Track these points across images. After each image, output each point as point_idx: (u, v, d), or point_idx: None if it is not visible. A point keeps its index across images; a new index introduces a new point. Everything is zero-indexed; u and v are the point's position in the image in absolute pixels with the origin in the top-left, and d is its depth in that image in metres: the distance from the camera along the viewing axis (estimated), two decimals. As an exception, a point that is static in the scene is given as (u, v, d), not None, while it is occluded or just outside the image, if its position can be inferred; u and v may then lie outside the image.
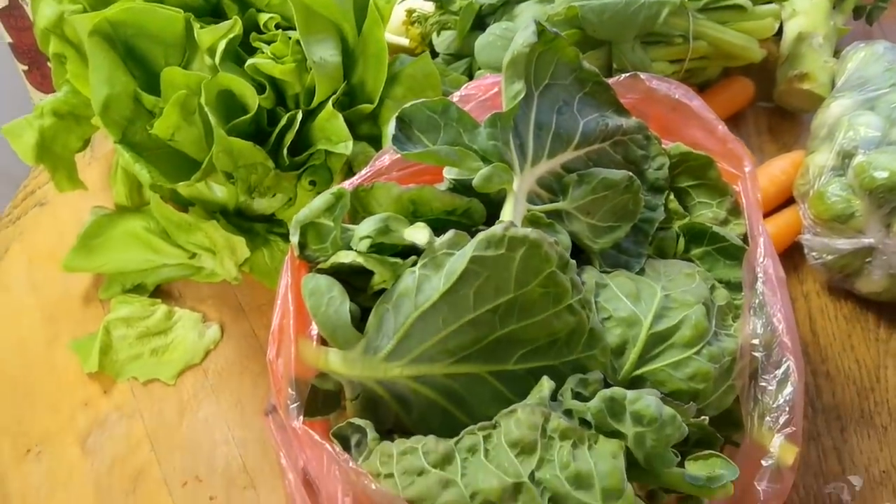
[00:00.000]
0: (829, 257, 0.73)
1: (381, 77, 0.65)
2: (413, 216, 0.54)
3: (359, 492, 0.42)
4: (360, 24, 0.67)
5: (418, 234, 0.45)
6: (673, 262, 0.58)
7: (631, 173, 0.56)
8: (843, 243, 0.72)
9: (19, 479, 0.65)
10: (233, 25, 0.61)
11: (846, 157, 0.71)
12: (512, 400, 0.46)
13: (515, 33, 0.53)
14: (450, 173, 0.54)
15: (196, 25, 0.62)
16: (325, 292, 0.47)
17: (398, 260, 0.48)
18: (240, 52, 0.64)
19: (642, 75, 0.62)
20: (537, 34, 0.51)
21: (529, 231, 0.43)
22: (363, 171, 0.55)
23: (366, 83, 0.67)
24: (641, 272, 0.56)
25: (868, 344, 0.75)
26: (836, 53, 0.86)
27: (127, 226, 0.71)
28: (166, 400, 0.68)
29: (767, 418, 0.49)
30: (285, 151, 0.59)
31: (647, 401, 0.41)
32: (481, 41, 0.77)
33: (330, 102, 0.62)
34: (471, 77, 0.81)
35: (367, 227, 0.47)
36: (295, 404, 0.46)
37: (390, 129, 0.49)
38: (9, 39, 1.42)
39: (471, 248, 0.43)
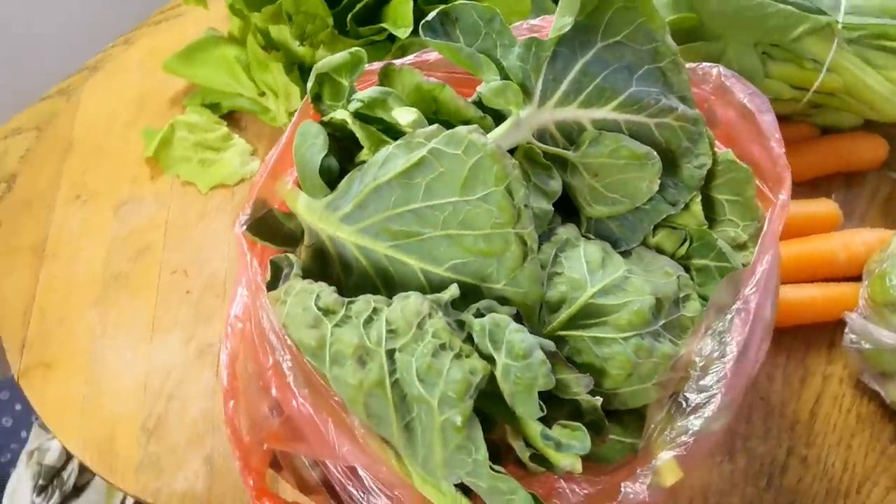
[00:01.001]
0: (867, 346, 0.66)
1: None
2: (433, 115, 0.56)
3: (253, 306, 0.46)
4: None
5: (405, 114, 0.47)
6: (661, 258, 0.55)
7: (654, 152, 0.53)
8: (888, 336, 0.64)
9: (63, 216, 0.77)
10: None
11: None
12: (430, 301, 0.48)
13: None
14: (481, 87, 0.55)
15: None
16: (312, 137, 0.51)
17: (383, 136, 0.50)
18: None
19: (722, 70, 0.58)
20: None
21: (491, 142, 0.43)
22: (406, 58, 0.57)
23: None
24: (625, 254, 0.55)
25: (870, 453, 0.67)
26: None
27: (226, 51, 0.79)
28: (193, 204, 0.76)
29: (668, 433, 0.47)
30: (350, 17, 0.62)
31: (522, 335, 0.41)
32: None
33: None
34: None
35: (366, 93, 0.50)
36: (246, 216, 0.50)
37: (429, 16, 0.50)
38: None
39: (434, 139, 0.44)
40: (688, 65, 0.59)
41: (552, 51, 0.51)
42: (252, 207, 0.51)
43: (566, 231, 0.53)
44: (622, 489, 0.46)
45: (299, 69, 0.74)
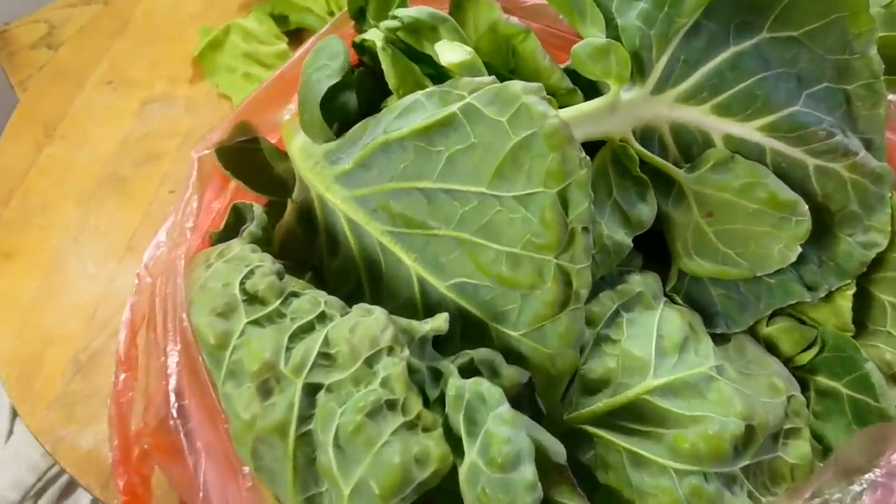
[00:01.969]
0: None
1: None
2: (508, 73, 0.40)
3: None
4: None
5: (450, 50, 0.32)
6: (771, 361, 0.37)
7: (804, 204, 0.35)
8: None
9: (88, 98, 0.68)
10: None
11: None
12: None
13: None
14: (577, 46, 0.39)
15: None
16: (326, 57, 0.37)
17: (423, 78, 0.35)
18: None
19: (948, 113, 0.38)
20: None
21: (556, 116, 0.27)
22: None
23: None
24: (720, 340, 0.37)
25: None
26: None
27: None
28: (222, 117, 0.65)
29: None
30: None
31: (512, 431, 0.25)
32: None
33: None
34: None
35: (412, 11, 0.35)
36: (219, 139, 0.37)
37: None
38: None
39: (474, 93, 0.29)
40: (890, 97, 0.40)
41: (694, 20, 0.34)
42: (231, 130, 0.38)
43: (643, 282, 0.36)
44: None
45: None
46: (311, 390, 0.27)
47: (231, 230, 0.37)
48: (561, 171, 0.27)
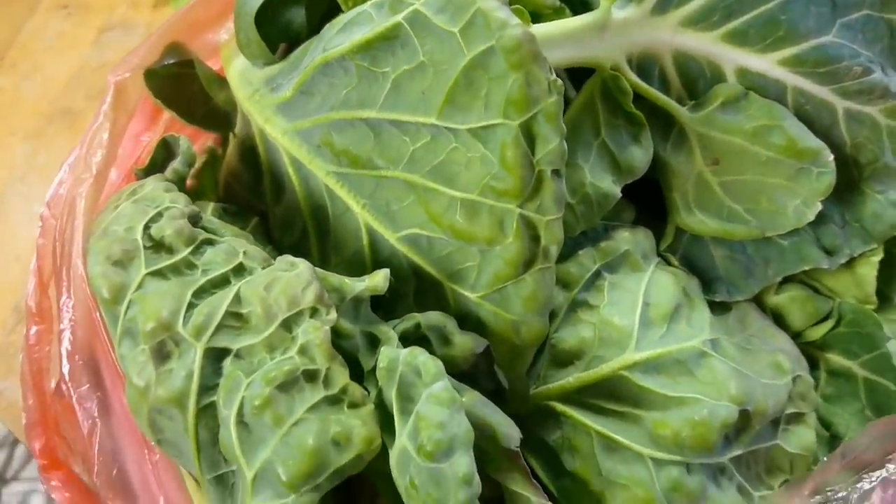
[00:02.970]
0: None
1: None
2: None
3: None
4: None
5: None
6: (778, 334, 0.32)
7: (829, 153, 0.29)
8: None
9: (40, 23, 0.63)
10: None
11: None
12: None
13: None
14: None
15: None
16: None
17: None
18: None
19: None
20: None
21: (518, 26, 0.21)
22: None
23: None
24: (718, 309, 0.32)
25: None
26: None
27: None
28: (187, 52, 0.59)
29: None
30: None
31: (449, 411, 0.20)
32: None
33: None
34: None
35: None
36: (142, 55, 0.32)
37: None
38: None
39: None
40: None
41: (712, -82, 0.28)
42: (160, 51, 0.33)
43: (631, 239, 0.31)
44: None
45: None
46: (217, 356, 0.23)
47: (158, 166, 0.32)
48: (525, 98, 0.22)
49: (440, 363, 0.22)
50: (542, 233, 0.25)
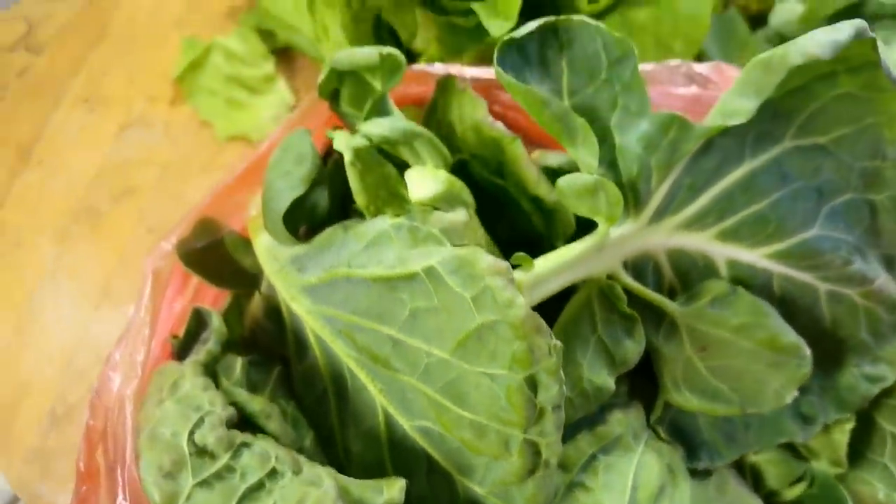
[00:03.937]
0: None
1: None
2: (495, 169, 0.36)
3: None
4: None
5: (421, 184, 0.29)
6: (750, 500, 0.35)
7: (806, 348, 0.32)
8: None
9: (64, 118, 0.65)
10: None
11: None
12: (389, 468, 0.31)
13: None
14: (563, 180, 0.34)
15: None
16: (292, 161, 0.33)
17: (391, 177, 0.32)
18: None
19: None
20: (855, 39, 0.28)
21: (522, 305, 0.24)
22: (480, 70, 0.38)
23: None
24: (700, 476, 0.35)
25: None
26: None
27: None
28: (203, 150, 0.62)
29: None
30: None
31: None
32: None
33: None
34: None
35: (384, 126, 0.31)
36: (175, 237, 0.34)
37: (524, 28, 0.30)
38: None
39: (438, 254, 0.26)
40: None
41: (702, 143, 0.31)
42: (193, 228, 0.35)
43: (624, 421, 0.33)
44: None
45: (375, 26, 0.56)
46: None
47: (192, 337, 0.35)
48: (528, 359, 0.25)
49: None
50: (544, 450, 0.28)
